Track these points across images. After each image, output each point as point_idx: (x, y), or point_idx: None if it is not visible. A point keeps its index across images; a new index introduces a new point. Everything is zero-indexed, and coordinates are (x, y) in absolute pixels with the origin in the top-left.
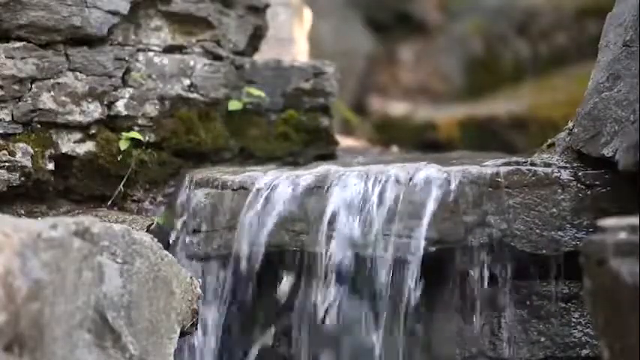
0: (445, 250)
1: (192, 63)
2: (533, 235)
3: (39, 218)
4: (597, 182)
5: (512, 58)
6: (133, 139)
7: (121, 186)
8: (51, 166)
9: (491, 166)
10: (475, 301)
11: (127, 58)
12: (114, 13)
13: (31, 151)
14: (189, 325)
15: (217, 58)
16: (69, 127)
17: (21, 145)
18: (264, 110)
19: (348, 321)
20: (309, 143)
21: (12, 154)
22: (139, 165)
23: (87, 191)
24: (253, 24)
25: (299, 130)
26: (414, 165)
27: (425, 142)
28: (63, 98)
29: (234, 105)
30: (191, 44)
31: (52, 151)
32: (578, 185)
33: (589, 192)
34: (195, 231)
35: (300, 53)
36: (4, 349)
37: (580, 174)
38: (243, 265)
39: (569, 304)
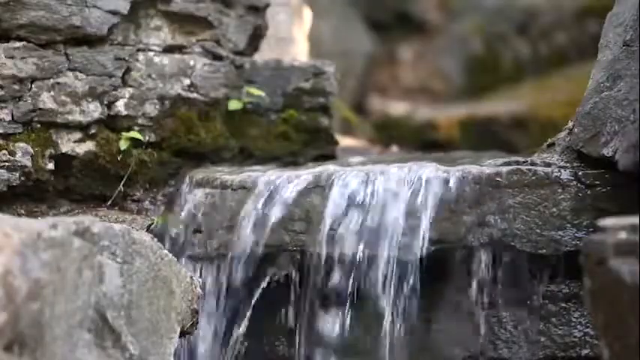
0: (445, 250)
1: (192, 63)
2: (533, 235)
3: (39, 218)
4: (597, 182)
5: (512, 58)
6: (133, 139)
7: (121, 186)
8: (51, 165)
9: (491, 165)
10: (475, 300)
11: (126, 58)
12: (114, 12)
13: (31, 150)
14: (189, 324)
15: (217, 57)
16: (69, 126)
17: (21, 144)
18: (264, 110)
19: (348, 320)
20: (308, 143)
21: (12, 153)
22: (138, 165)
23: (87, 191)
24: (253, 24)
25: (299, 129)
26: (414, 165)
27: (425, 142)
28: (63, 98)
29: (234, 105)
30: (191, 44)
31: (52, 151)
32: (578, 185)
33: (589, 192)
34: (195, 231)
35: (300, 53)
36: (4, 349)
37: (580, 174)
38: (243, 264)
39: (569, 303)
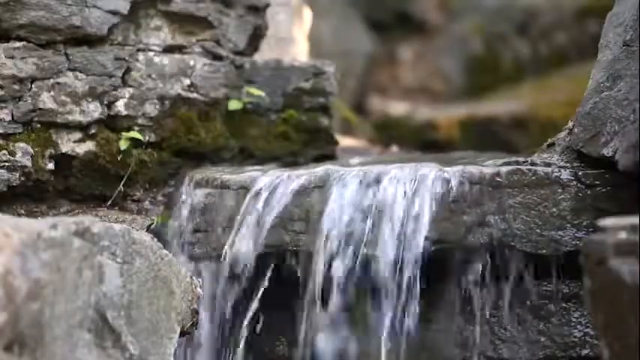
0: (445, 250)
1: (192, 63)
2: (533, 235)
3: (39, 218)
4: (597, 182)
5: (512, 58)
6: (133, 139)
7: (121, 186)
8: (51, 165)
9: (491, 165)
10: (475, 300)
11: (127, 58)
12: (114, 12)
13: (31, 151)
14: (189, 324)
15: (217, 57)
16: (69, 126)
17: (21, 145)
18: (264, 110)
19: (348, 320)
20: (308, 143)
21: (12, 154)
22: (139, 165)
23: (87, 191)
24: (253, 24)
25: (299, 129)
26: (414, 165)
27: (425, 142)
28: (63, 98)
29: (234, 105)
30: (191, 44)
31: (52, 151)
32: (578, 185)
33: (589, 192)
34: (195, 231)
35: (300, 53)
36: (4, 349)
37: (580, 174)
38: (243, 265)
39: (569, 303)
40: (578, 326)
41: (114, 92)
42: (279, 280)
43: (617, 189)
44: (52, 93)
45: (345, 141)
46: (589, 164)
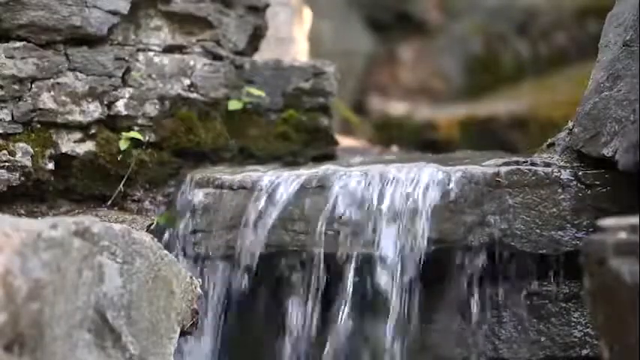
0: (445, 250)
1: (192, 63)
2: (533, 235)
3: (39, 218)
4: (597, 182)
5: (512, 58)
6: (133, 139)
7: (121, 186)
8: (51, 165)
9: (491, 165)
10: (475, 300)
11: (127, 58)
12: (114, 12)
13: (31, 151)
14: (189, 324)
15: (217, 57)
16: (69, 126)
17: (21, 145)
18: (264, 110)
19: (348, 322)
20: (308, 143)
21: (12, 154)
22: (139, 165)
23: (87, 191)
24: (253, 24)
25: (299, 129)
26: (414, 165)
27: (425, 142)
28: (63, 98)
29: (234, 105)
30: (191, 44)
31: (52, 151)
32: (578, 185)
33: (589, 192)
34: (195, 231)
35: (299, 53)
36: (4, 349)
37: (580, 174)
38: (243, 265)
39: (569, 303)
40: (578, 326)
41: (114, 92)
42: (280, 279)
43: (617, 189)
44: (52, 93)
45: (345, 141)
46: (589, 164)
